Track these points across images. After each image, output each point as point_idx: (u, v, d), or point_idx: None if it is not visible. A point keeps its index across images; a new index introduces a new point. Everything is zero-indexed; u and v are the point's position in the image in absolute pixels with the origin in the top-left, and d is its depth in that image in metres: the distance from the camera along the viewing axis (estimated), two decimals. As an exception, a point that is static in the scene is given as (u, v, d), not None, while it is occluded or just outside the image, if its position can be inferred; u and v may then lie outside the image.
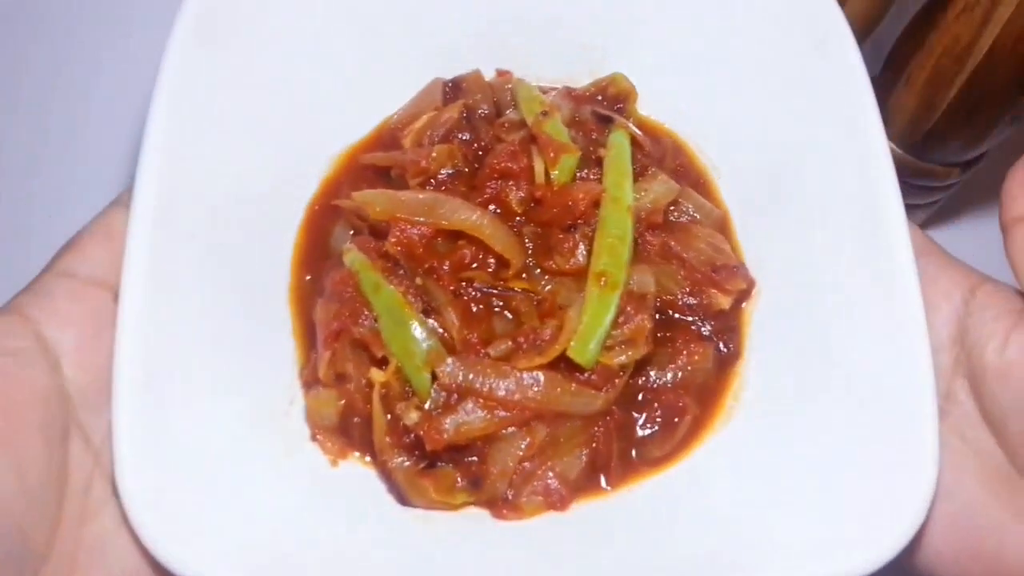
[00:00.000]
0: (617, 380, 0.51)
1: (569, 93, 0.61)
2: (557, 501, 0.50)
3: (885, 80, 0.67)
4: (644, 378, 0.54)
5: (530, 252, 0.54)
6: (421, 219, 0.53)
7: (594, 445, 0.51)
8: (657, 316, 0.54)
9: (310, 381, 0.53)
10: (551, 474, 0.50)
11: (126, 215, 0.48)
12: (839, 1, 0.60)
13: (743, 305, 0.56)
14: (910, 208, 0.70)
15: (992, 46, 0.58)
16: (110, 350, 0.45)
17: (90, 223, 0.49)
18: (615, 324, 0.51)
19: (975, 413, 0.48)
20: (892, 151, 0.64)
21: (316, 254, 0.57)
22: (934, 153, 0.68)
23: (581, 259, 0.53)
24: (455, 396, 0.50)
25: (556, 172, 0.54)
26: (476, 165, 0.57)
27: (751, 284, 0.56)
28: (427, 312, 0.52)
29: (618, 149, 0.56)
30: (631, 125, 0.59)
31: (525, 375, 0.50)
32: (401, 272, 0.53)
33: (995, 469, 0.47)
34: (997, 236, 0.58)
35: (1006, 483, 0.47)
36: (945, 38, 0.60)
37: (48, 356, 0.44)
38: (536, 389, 0.50)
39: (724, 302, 0.55)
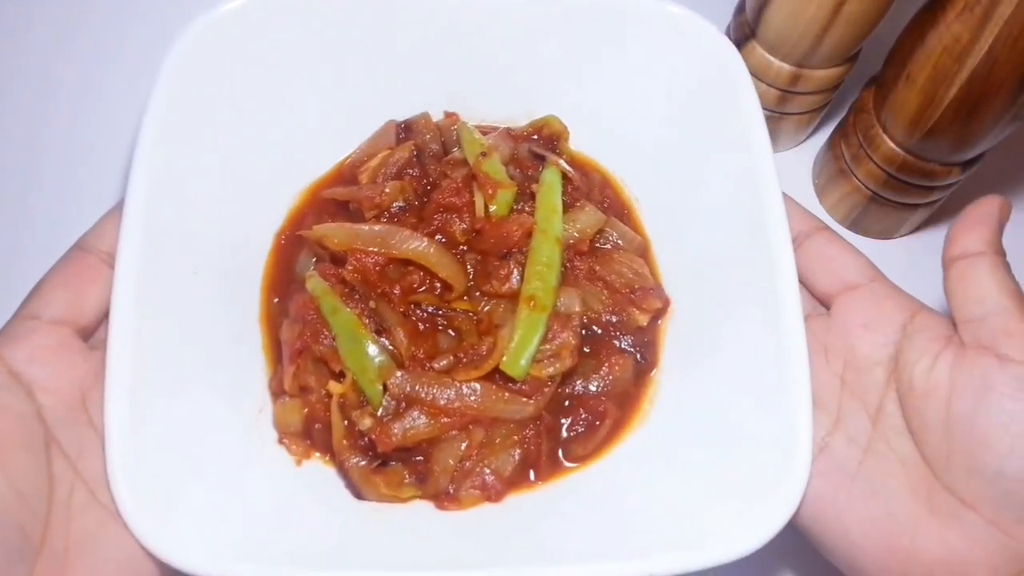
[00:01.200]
0: (546, 389, 0.57)
1: (508, 133, 0.67)
2: (493, 494, 0.56)
3: (885, 79, 0.68)
4: (571, 387, 0.60)
5: (471, 277, 0.60)
6: (375, 249, 0.59)
7: (526, 445, 0.57)
8: (583, 332, 0.60)
9: (277, 392, 0.59)
10: (488, 471, 0.57)
11: (84, 258, 0.54)
12: (839, 1, 0.65)
13: (659, 322, 0.63)
14: (910, 207, 0.74)
15: (992, 45, 0.57)
16: (75, 378, 0.51)
17: (50, 270, 0.54)
18: (544, 341, 0.57)
19: (901, 424, 0.53)
20: (893, 151, 0.69)
21: (283, 279, 0.63)
22: (934, 152, 0.68)
23: (515, 283, 0.59)
24: (403, 404, 0.56)
25: (494, 207, 0.61)
26: (424, 199, 0.63)
27: (666, 303, 0.63)
28: (379, 332, 0.57)
29: (548, 186, 0.62)
30: (562, 162, 0.65)
31: (464, 386, 0.56)
32: (357, 296, 0.58)
33: (915, 473, 0.51)
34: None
35: (924, 484, 0.51)
36: (945, 37, 0.60)
37: (22, 386, 0.49)
38: (474, 398, 0.56)
39: (642, 319, 0.62)
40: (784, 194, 0.58)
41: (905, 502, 0.51)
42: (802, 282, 0.58)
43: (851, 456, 0.53)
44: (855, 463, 0.53)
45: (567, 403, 0.60)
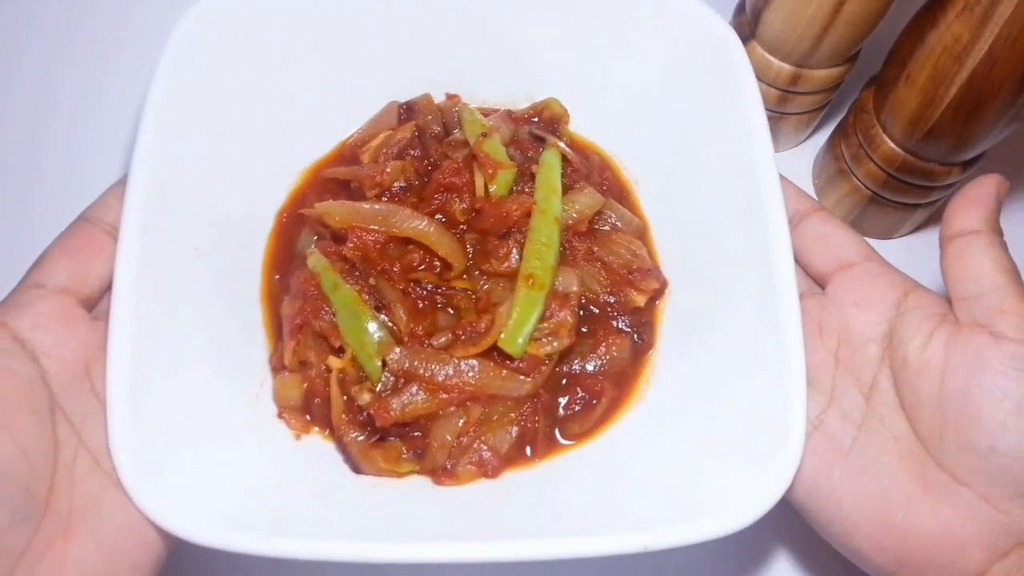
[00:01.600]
0: (543, 367, 0.58)
1: (509, 115, 0.68)
2: (489, 470, 0.57)
3: (885, 79, 0.68)
4: (568, 365, 0.60)
5: (470, 256, 0.61)
6: (376, 227, 0.60)
7: (523, 423, 0.58)
8: (581, 312, 0.61)
9: (277, 367, 0.59)
10: (484, 447, 0.57)
11: (89, 230, 0.54)
12: (839, 1, 0.65)
13: (656, 303, 0.64)
14: (910, 207, 0.74)
15: (992, 45, 0.57)
16: (79, 346, 0.51)
17: (55, 241, 0.54)
18: (542, 319, 0.58)
19: (894, 401, 0.53)
20: (893, 151, 0.69)
21: (284, 257, 0.64)
22: (934, 152, 0.68)
23: (514, 262, 0.59)
24: (402, 380, 0.57)
25: (494, 187, 0.61)
26: (425, 179, 0.64)
27: (664, 284, 0.64)
28: (379, 308, 0.58)
29: (548, 166, 0.63)
30: (562, 144, 0.65)
31: (462, 363, 0.57)
32: (357, 273, 0.59)
33: (908, 450, 0.52)
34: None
35: (917, 461, 0.51)
36: (945, 37, 0.60)
37: (26, 353, 0.50)
38: (472, 375, 0.57)
39: (639, 300, 0.62)
40: (781, 176, 0.59)
41: (898, 478, 0.51)
42: (798, 261, 0.58)
43: (845, 433, 0.54)
44: (849, 440, 0.53)
45: (564, 382, 0.61)
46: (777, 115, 0.78)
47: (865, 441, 0.53)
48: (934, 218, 0.79)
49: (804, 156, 0.84)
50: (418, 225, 0.60)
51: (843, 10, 0.66)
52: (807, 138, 0.85)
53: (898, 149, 0.70)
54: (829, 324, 0.56)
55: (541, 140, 0.66)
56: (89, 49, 0.85)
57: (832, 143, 0.79)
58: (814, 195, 0.82)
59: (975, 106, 0.62)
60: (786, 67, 0.73)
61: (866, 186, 0.75)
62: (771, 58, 0.73)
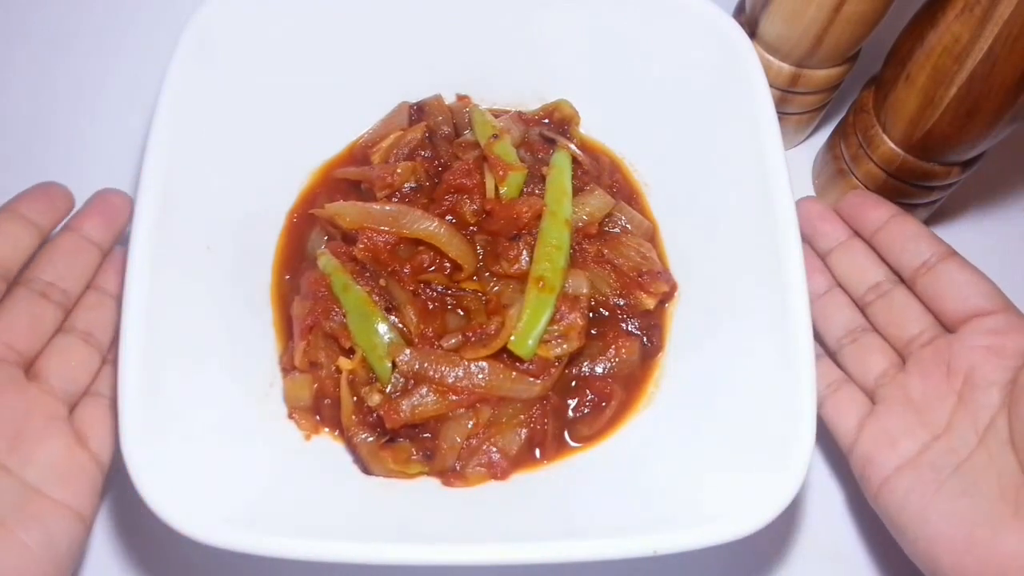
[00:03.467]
0: (553, 370, 0.58)
1: (520, 116, 0.68)
2: (498, 472, 0.57)
3: (885, 79, 0.68)
4: (578, 368, 0.61)
5: (480, 258, 0.61)
6: (386, 228, 0.60)
7: (532, 425, 0.58)
8: (590, 314, 0.61)
9: (288, 367, 0.60)
10: (494, 449, 0.57)
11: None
12: (839, 2, 0.64)
13: (666, 305, 0.64)
14: (910, 207, 0.73)
15: (992, 45, 0.57)
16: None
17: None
18: (552, 321, 0.58)
19: (1007, 439, 0.55)
20: (893, 151, 0.68)
21: (295, 257, 0.64)
22: (934, 152, 0.67)
23: (524, 264, 0.59)
24: (412, 382, 0.57)
25: (504, 188, 0.61)
26: (436, 180, 0.64)
27: (673, 287, 0.64)
28: (389, 309, 0.58)
29: (559, 169, 0.63)
30: (573, 146, 0.65)
31: (472, 365, 0.57)
32: (367, 274, 0.59)
33: (1010, 483, 0.54)
34: (997, 235, 0.60)
35: (1014, 491, 0.53)
36: (945, 37, 0.60)
37: None
38: (481, 377, 0.57)
39: (649, 303, 0.62)
40: (904, 214, 0.62)
41: (992, 501, 0.53)
42: (929, 305, 0.61)
43: (948, 463, 0.55)
44: (951, 468, 0.55)
45: (574, 384, 0.61)
46: (777, 115, 0.78)
47: (968, 469, 0.55)
48: (934, 218, 0.79)
49: (804, 156, 0.83)
50: (428, 226, 0.60)
51: (843, 10, 0.66)
52: (807, 138, 0.85)
53: (898, 149, 0.69)
54: (957, 364, 0.58)
55: (551, 142, 0.66)
56: (92, 50, 0.84)
57: (832, 143, 0.78)
58: (814, 195, 0.82)
59: (975, 106, 0.61)
60: (786, 67, 0.72)
61: (866, 186, 0.74)
62: (771, 58, 0.73)
